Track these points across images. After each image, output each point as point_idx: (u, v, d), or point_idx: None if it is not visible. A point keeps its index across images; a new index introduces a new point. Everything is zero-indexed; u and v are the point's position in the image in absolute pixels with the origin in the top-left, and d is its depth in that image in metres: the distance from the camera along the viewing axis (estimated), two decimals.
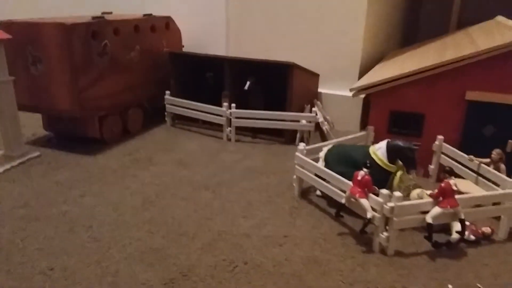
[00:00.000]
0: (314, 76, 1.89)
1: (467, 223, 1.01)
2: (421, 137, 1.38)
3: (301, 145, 1.23)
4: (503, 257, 0.99)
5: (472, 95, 1.28)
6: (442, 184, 0.95)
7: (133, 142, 1.69)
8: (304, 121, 1.65)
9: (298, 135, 1.69)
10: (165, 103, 1.86)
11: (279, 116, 1.65)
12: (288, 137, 1.71)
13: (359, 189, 0.97)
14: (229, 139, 1.72)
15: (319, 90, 1.97)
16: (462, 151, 1.32)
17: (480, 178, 1.18)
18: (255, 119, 1.68)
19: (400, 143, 1.07)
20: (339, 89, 1.91)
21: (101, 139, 1.63)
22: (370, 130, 1.43)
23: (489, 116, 1.28)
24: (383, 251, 0.98)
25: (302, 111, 1.74)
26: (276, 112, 1.65)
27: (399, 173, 1.07)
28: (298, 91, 1.70)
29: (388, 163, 1.06)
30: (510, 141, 1.25)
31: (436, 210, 0.94)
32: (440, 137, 1.33)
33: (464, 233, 0.98)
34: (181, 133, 1.82)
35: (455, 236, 0.99)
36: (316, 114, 1.65)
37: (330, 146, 1.21)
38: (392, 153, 1.06)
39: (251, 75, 1.73)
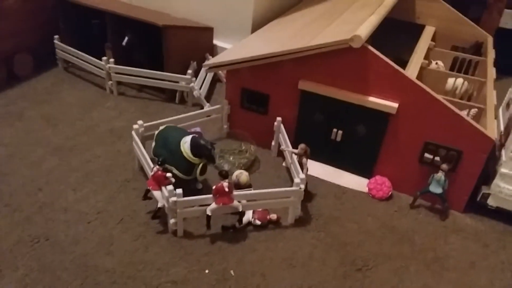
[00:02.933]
0: (205, 31, 1.89)
1: (259, 209, 1.18)
2: (267, 114, 1.47)
3: (138, 123, 1.32)
4: (274, 243, 1.16)
5: (303, 85, 1.34)
6: (217, 185, 1.08)
7: (16, 90, 1.75)
8: (183, 82, 1.71)
9: (177, 95, 1.76)
10: (55, 48, 1.88)
11: (156, 76, 1.70)
12: (169, 94, 1.78)
13: (153, 182, 1.10)
14: (112, 92, 1.78)
15: (216, 42, 1.98)
16: (297, 135, 1.44)
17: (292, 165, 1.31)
18: (134, 76, 1.73)
19: (201, 140, 1.16)
20: (233, 42, 1.92)
21: None
22: (225, 104, 1.51)
23: (319, 106, 1.36)
24: (175, 232, 1.14)
25: (187, 68, 1.78)
26: (153, 71, 1.69)
27: (201, 165, 1.19)
28: (178, 49, 1.72)
29: (192, 157, 1.17)
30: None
31: (214, 205, 1.09)
32: (279, 118, 1.43)
33: (241, 223, 1.15)
34: (69, 80, 1.86)
35: (243, 221, 1.17)
36: (194, 76, 1.70)
37: (163, 127, 1.30)
38: (194, 148, 1.17)
39: (130, 30, 1.73)
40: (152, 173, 1.11)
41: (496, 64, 1.80)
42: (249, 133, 1.50)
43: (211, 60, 1.44)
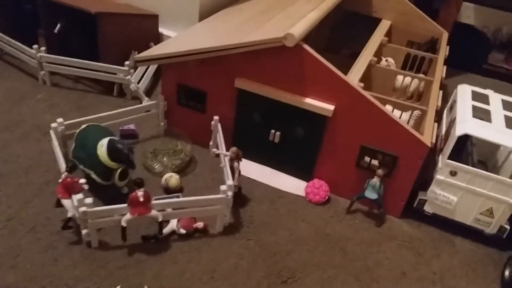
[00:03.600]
0: (149, 18, 1.77)
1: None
2: (205, 112, 1.39)
3: (58, 121, 1.22)
4: (198, 254, 1.09)
5: (240, 83, 1.27)
6: (131, 195, 1.00)
7: None
8: (120, 74, 1.60)
9: (115, 87, 1.65)
10: None
11: (91, 66, 1.59)
12: (106, 86, 1.67)
13: (62, 190, 1.02)
14: (45, 83, 1.66)
15: (162, 31, 1.88)
16: (235, 134, 1.37)
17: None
18: (68, 66, 1.61)
19: (118, 144, 1.08)
20: (180, 31, 1.82)
21: None
22: (161, 100, 1.42)
23: (256, 105, 1.28)
24: (89, 243, 1.06)
25: (127, 59, 1.68)
26: (87, 61, 1.58)
27: (120, 170, 1.11)
28: (116, 38, 1.61)
29: (110, 161, 1.09)
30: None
31: (128, 215, 1.01)
32: (216, 117, 1.35)
33: (161, 234, 1.08)
34: (4, 68, 1.73)
35: (167, 230, 1.10)
36: (132, 69, 1.59)
37: (84, 126, 1.21)
38: (111, 152, 1.08)
39: (64, 16, 1.61)
40: (61, 179, 1.02)
41: (447, 61, 1.77)
42: (187, 131, 1.42)
43: (143, 53, 1.34)
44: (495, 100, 1.30)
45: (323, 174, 1.32)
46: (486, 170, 1.18)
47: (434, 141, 1.20)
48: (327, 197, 1.30)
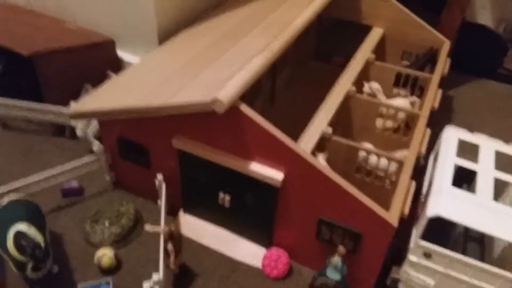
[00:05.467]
0: (102, 45, 1.59)
1: None
2: (150, 168, 1.23)
3: None
4: None
5: (178, 143, 1.09)
6: None
7: None
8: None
9: (66, 129, 1.50)
10: None
11: (33, 107, 1.43)
12: (57, 127, 1.52)
13: None
14: None
15: (122, 55, 1.70)
16: (184, 194, 1.21)
17: None
18: (9, 108, 1.47)
19: (22, 241, 0.94)
20: (141, 54, 1.64)
21: None
22: (101, 154, 1.26)
23: (199, 166, 1.10)
24: None
25: (79, 93, 1.52)
26: (25, 102, 1.41)
27: (31, 263, 0.97)
28: (61, 76, 1.46)
29: (18, 255, 0.95)
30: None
31: None
32: (160, 177, 1.19)
33: None
34: None
35: None
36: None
37: (5, 202, 1.07)
38: (17, 247, 0.95)
39: (2, 57, 1.45)
40: None
41: (443, 80, 1.52)
42: (135, 186, 1.28)
43: (73, 107, 1.17)
44: (487, 152, 1.06)
45: (283, 242, 1.15)
46: (481, 246, 0.98)
47: (406, 212, 1.00)
48: (286, 271, 1.13)
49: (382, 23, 1.73)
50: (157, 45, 1.54)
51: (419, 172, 1.26)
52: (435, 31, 1.68)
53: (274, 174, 1.00)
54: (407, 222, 1.05)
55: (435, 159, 1.15)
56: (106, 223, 1.20)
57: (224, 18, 1.51)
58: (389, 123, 1.41)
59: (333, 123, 1.31)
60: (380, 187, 1.24)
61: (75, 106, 1.16)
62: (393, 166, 1.20)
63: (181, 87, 1.03)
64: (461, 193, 0.94)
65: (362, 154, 1.22)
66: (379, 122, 1.41)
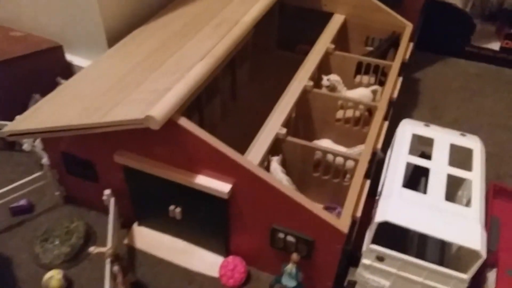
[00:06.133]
0: (48, 52, 1.51)
1: None
2: (98, 182, 1.18)
3: None
4: None
5: (120, 158, 1.04)
6: None
7: None
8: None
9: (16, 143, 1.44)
10: None
11: None
12: (3, 143, 1.45)
13: None
14: None
15: (72, 60, 1.62)
16: (135, 208, 1.17)
17: None
18: None
19: None
20: (92, 58, 1.57)
21: None
22: (47, 170, 1.21)
23: (145, 180, 1.05)
24: None
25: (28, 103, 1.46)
26: None
27: None
28: (7, 88, 1.39)
29: None
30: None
31: None
32: (107, 192, 1.14)
33: None
34: None
35: None
36: None
37: None
38: None
39: None
40: None
41: (407, 64, 1.48)
42: (86, 199, 1.23)
43: (8, 127, 1.11)
44: (441, 147, 1.03)
45: (240, 249, 1.12)
46: (442, 242, 0.96)
47: (359, 214, 0.97)
48: (243, 279, 1.10)
49: (343, 9, 1.67)
50: (107, 47, 1.47)
51: (378, 167, 1.23)
52: (397, 14, 1.63)
53: (221, 187, 0.96)
54: (365, 221, 1.03)
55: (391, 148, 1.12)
56: (56, 242, 1.16)
57: (175, 16, 1.44)
58: (350, 113, 1.37)
59: (289, 121, 1.27)
60: (339, 183, 1.22)
61: (9, 126, 1.10)
62: (350, 163, 1.17)
63: (120, 100, 0.98)
64: (411, 195, 0.91)
65: (318, 153, 1.19)
66: (340, 113, 1.37)
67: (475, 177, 0.95)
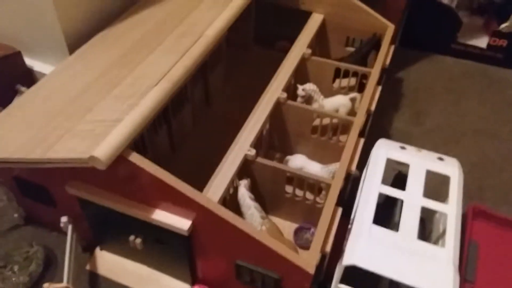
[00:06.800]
0: (6, 58, 1.41)
1: None
2: (55, 207, 1.11)
3: None
4: None
5: (72, 189, 0.96)
6: None
7: None
8: None
9: None
10: None
11: None
12: None
13: None
14: None
15: (33, 65, 1.51)
16: (94, 234, 1.10)
17: None
18: None
19: None
20: (54, 63, 1.47)
21: None
22: (2, 194, 1.13)
23: (101, 209, 0.98)
24: None
25: None
26: None
27: None
28: None
29: None
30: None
31: None
32: (64, 219, 1.07)
33: None
34: None
35: None
36: None
37: None
38: None
39: None
40: None
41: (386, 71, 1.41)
42: (46, 222, 1.17)
43: None
44: (417, 174, 0.97)
45: (206, 278, 1.06)
46: None
47: (328, 250, 0.92)
48: None
49: (322, 8, 1.58)
50: (67, 51, 1.37)
51: (354, 184, 1.18)
52: (378, 15, 1.54)
53: (180, 223, 0.89)
54: (340, 240, 0.97)
55: (364, 180, 1.06)
56: (15, 268, 1.10)
57: (138, 20, 1.33)
58: (327, 120, 1.29)
59: (260, 138, 1.20)
60: (312, 204, 1.16)
61: None
62: (324, 184, 1.11)
63: (67, 130, 0.89)
64: (382, 234, 0.85)
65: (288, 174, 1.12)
66: (317, 121, 1.30)
67: (451, 211, 0.89)
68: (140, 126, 0.85)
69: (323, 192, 1.15)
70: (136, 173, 0.83)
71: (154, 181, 0.83)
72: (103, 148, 0.77)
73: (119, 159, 0.81)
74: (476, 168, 1.45)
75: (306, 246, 1.16)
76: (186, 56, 1.03)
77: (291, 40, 1.50)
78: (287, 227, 1.22)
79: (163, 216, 0.90)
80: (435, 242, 1.00)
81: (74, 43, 1.35)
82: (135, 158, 0.82)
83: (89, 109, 0.94)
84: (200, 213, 0.86)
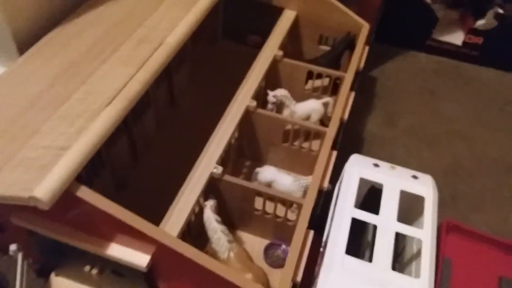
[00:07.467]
0: None
1: None
2: (4, 232, 1.01)
3: None
4: None
5: (18, 220, 0.87)
6: None
7: None
8: None
9: None
10: None
11: None
12: None
13: None
14: None
15: None
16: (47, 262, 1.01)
17: None
18: None
19: None
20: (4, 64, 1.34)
21: None
22: None
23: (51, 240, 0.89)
24: None
25: None
26: None
27: None
28: None
29: None
30: None
31: None
32: (13, 247, 0.97)
33: None
34: None
35: None
36: None
37: None
38: None
39: None
40: None
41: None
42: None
43: None
44: (390, 196, 0.93)
45: None
46: None
47: (299, 278, 0.87)
48: None
49: (294, 4, 1.49)
50: (16, 51, 1.24)
51: (326, 198, 1.13)
52: (353, 13, 1.46)
53: (138, 259, 0.81)
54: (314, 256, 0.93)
55: (337, 199, 1.00)
56: None
57: (93, 19, 1.21)
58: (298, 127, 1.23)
59: (229, 151, 1.13)
60: (283, 222, 1.11)
61: None
62: (296, 193, 1.06)
63: (8, 158, 0.79)
64: (354, 265, 0.81)
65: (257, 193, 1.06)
66: (289, 126, 1.24)
67: (426, 237, 0.86)
68: (90, 154, 0.76)
69: (294, 205, 1.10)
70: (85, 209, 0.75)
71: (106, 217, 0.75)
72: (45, 185, 0.68)
73: (65, 194, 0.72)
74: (448, 174, 1.43)
75: (277, 264, 1.11)
76: (144, 68, 0.93)
77: (263, 34, 1.42)
78: (258, 243, 1.16)
79: (119, 251, 0.82)
80: (408, 262, 0.97)
81: (24, 43, 1.23)
82: (83, 192, 0.73)
83: (34, 131, 0.83)
84: (158, 248, 0.79)
